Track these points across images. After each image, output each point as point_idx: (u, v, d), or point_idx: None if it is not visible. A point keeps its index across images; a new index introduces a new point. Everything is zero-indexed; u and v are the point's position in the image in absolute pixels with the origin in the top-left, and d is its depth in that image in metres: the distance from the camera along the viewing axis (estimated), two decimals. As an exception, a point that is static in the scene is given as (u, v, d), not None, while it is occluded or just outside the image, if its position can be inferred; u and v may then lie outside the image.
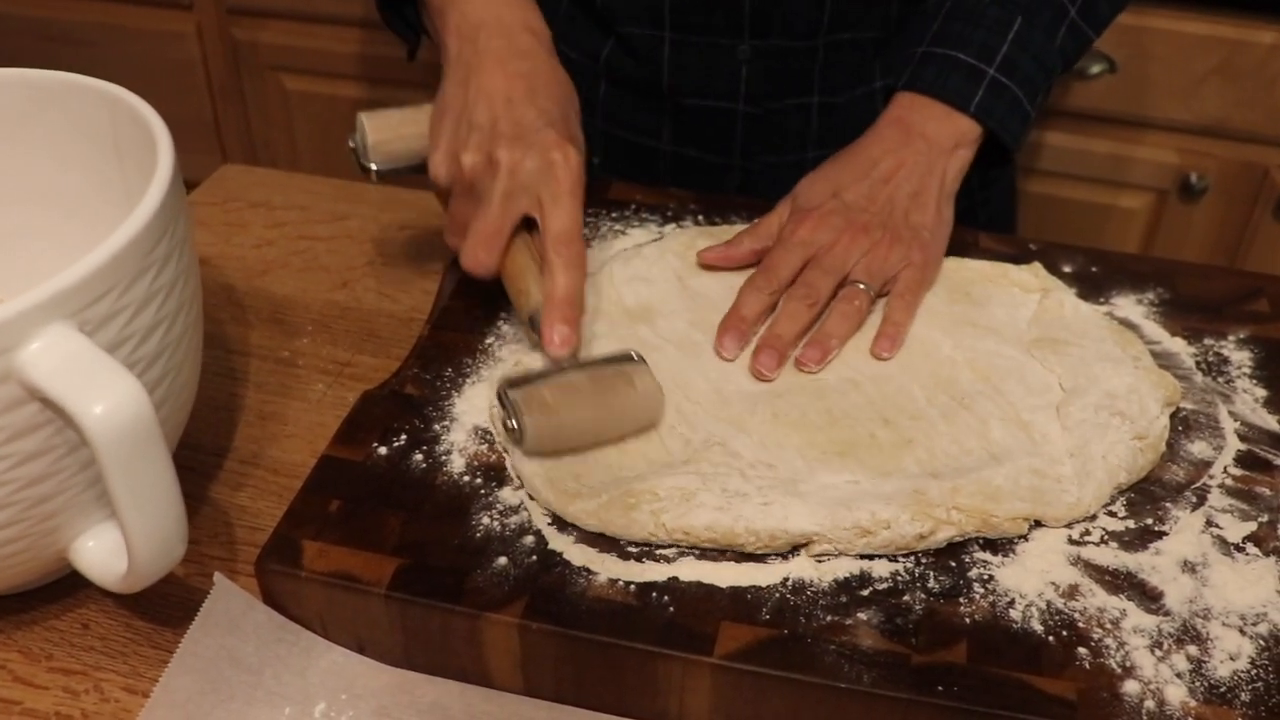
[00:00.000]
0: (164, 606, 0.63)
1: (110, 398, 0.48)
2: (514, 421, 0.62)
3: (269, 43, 1.66)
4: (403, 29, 0.88)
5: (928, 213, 0.78)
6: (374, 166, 0.77)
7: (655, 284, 0.77)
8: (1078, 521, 0.62)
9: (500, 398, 0.63)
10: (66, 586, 0.63)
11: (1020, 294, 0.77)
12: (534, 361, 0.69)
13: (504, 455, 0.65)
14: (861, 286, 0.73)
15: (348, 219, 0.92)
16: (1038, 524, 0.61)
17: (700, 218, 0.85)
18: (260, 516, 0.68)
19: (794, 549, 0.60)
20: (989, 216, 1.03)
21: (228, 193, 0.96)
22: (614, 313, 0.75)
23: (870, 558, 0.59)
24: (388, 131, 0.77)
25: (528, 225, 0.71)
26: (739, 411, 0.67)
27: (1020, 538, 0.61)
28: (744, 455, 0.63)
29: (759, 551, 0.59)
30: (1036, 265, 0.78)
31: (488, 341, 0.73)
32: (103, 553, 0.57)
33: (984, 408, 0.67)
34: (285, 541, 0.59)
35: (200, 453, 0.72)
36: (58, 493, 0.54)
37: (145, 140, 0.60)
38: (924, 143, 0.79)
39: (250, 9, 1.64)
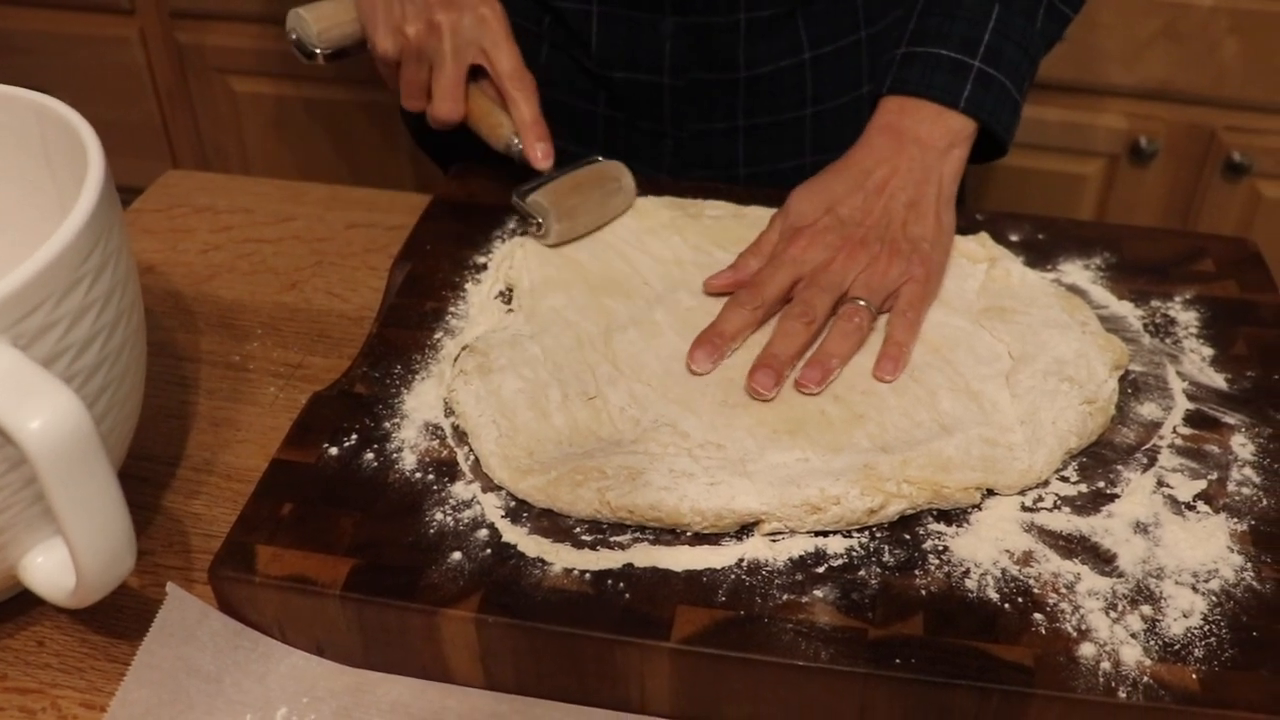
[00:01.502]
0: (120, 619, 0.62)
1: (47, 413, 0.47)
2: (537, 219, 0.78)
3: (214, 45, 1.64)
4: None
5: (926, 223, 0.75)
6: (319, 50, 0.86)
7: (619, 254, 0.77)
8: (1030, 488, 0.62)
9: (518, 206, 0.78)
10: (20, 604, 0.62)
11: (968, 264, 0.77)
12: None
13: (455, 448, 0.64)
14: (861, 303, 0.71)
15: (293, 220, 0.91)
16: (990, 493, 0.62)
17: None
18: (215, 524, 0.67)
19: (746, 529, 0.60)
20: None
21: (172, 199, 0.95)
22: (574, 283, 0.75)
23: (824, 534, 0.60)
24: (326, 20, 0.85)
25: (472, 75, 0.83)
26: (689, 392, 0.67)
27: (974, 507, 0.61)
28: (693, 436, 0.63)
29: (706, 531, 0.59)
30: (983, 235, 0.79)
31: (436, 336, 0.72)
32: (51, 569, 0.56)
33: (934, 379, 0.67)
34: (238, 547, 0.59)
35: (153, 462, 0.71)
36: (1, 510, 0.53)
37: (75, 148, 0.60)
38: (917, 147, 0.77)
39: (193, 12, 1.62)
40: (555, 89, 0.97)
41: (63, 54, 1.68)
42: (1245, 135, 1.41)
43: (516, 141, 0.82)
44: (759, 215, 0.81)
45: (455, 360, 0.70)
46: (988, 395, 0.66)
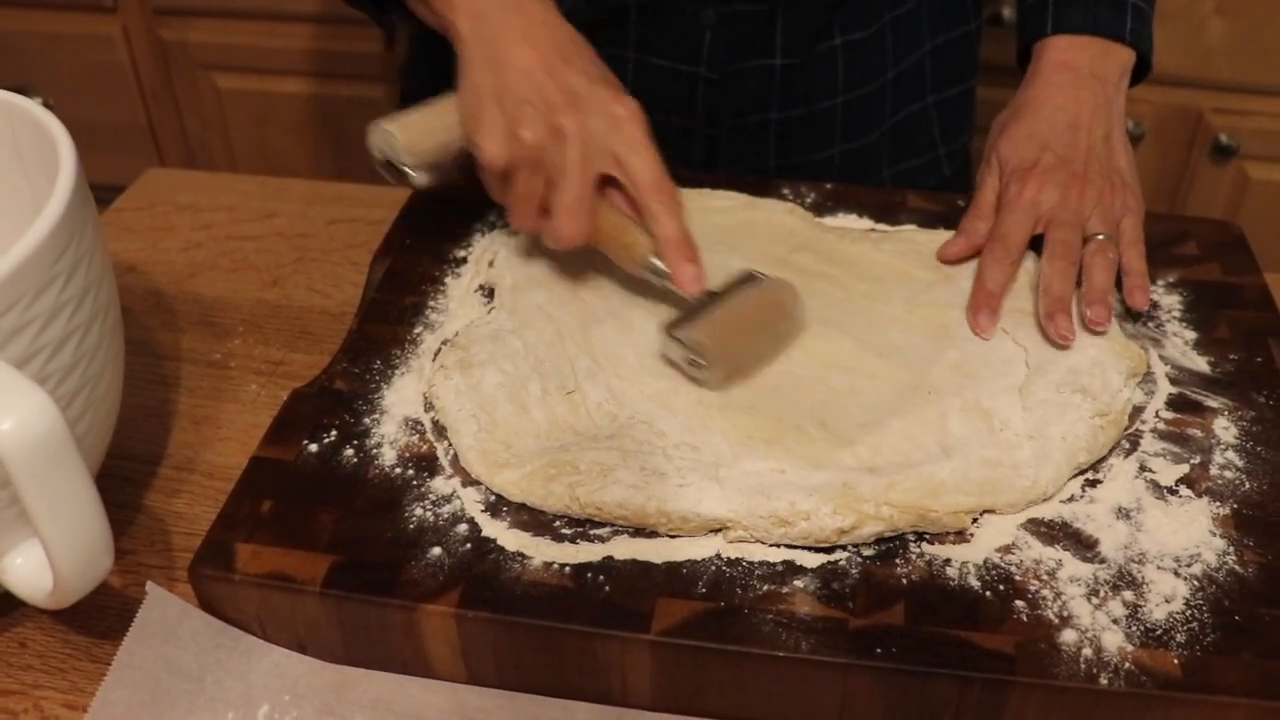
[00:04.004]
0: (101, 619, 0.62)
1: (19, 414, 0.47)
2: (701, 359, 0.65)
3: (198, 42, 1.63)
4: (375, 13, 0.85)
5: (1122, 155, 0.78)
6: (415, 173, 0.72)
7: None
8: (1034, 504, 0.61)
9: (677, 341, 0.66)
10: (1, 606, 0.62)
11: None
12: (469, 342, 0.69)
13: (435, 443, 0.64)
14: (1102, 237, 0.74)
15: (275, 216, 0.91)
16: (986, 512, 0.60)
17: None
18: (197, 522, 0.67)
19: (714, 533, 0.59)
20: (953, 171, 1.03)
21: (154, 197, 0.94)
22: (556, 280, 0.74)
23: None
24: (418, 132, 0.72)
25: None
26: (664, 390, 0.66)
27: (956, 496, 0.61)
28: (669, 435, 0.63)
29: (672, 533, 0.59)
30: None
31: (415, 331, 0.72)
32: (30, 570, 0.56)
33: (947, 401, 0.65)
34: (218, 545, 0.59)
35: (134, 461, 0.71)
36: (-22, 512, 0.53)
37: (47, 147, 0.59)
38: (1096, 82, 0.80)
39: (177, 9, 1.61)
40: None
41: (45, 53, 1.67)
42: (1232, 117, 1.41)
43: (656, 262, 0.69)
44: (773, 206, 0.81)
45: (436, 355, 0.70)
46: (998, 412, 0.64)
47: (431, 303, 0.74)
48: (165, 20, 1.63)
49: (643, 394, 0.66)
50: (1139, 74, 0.85)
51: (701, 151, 0.95)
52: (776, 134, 0.94)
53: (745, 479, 0.60)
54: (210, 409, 0.75)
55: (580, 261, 0.76)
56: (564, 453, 0.61)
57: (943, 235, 0.78)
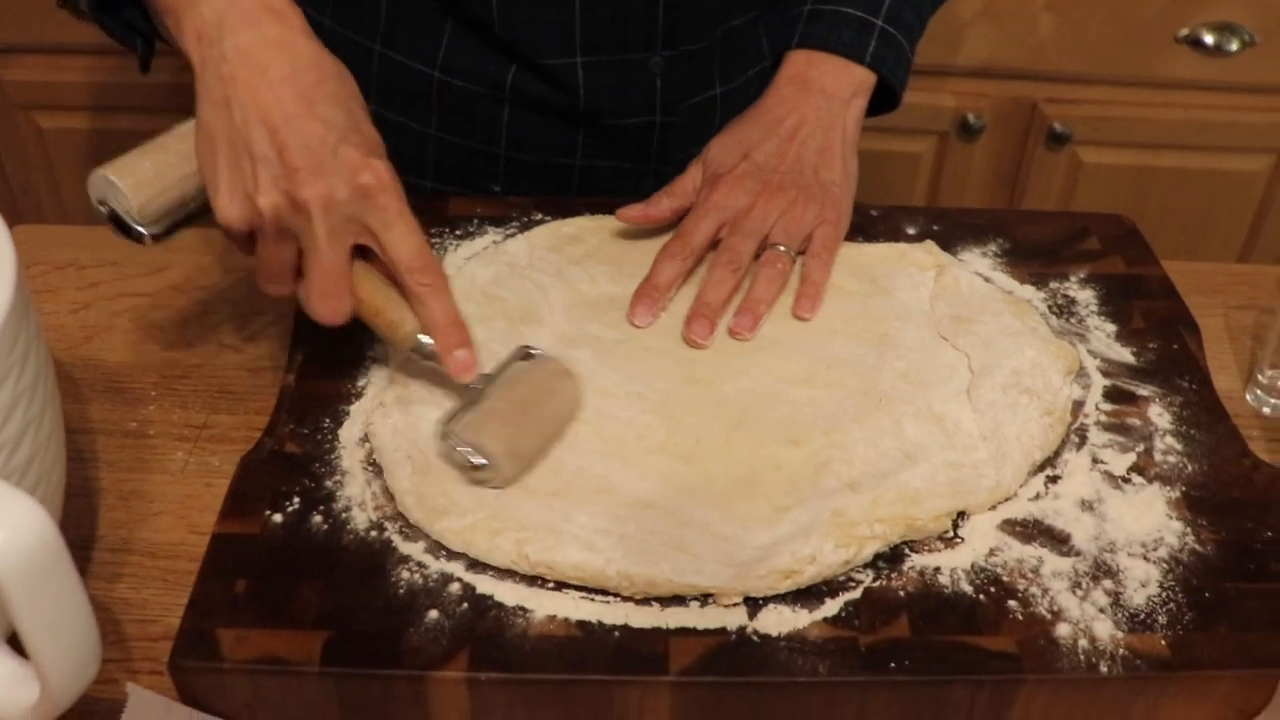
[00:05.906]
0: (63, 722, 0.58)
1: (7, 525, 0.44)
2: (479, 458, 0.61)
3: (17, 80, 1.53)
4: (124, 33, 0.76)
5: (835, 168, 0.80)
6: (146, 231, 0.65)
7: (537, 286, 0.75)
8: (1001, 502, 0.63)
9: (450, 440, 0.62)
10: (-51, 721, 0.57)
11: (917, 272, 0.78)
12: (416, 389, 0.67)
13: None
14: (781, 249, 0.76)
15: (168, 269, 0.86)
16: (962, 515, 0.62)
17: (548, 220, 0.83)
18: (147, 607, 0.63)
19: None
20: None
21: (29, 256, 0.88)
22: (494, 317, 0.73)
23: (799, 549, 0.60)
24: (152, 189, 0.64)
25: (360, 252, 0.65)
26: (622, 435, 0.65)
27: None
28: (619, 493, 0.61)
29: (636, 597, 0.57)
30: (930, 243, 0.80)
31: (359, 384, 0.70)
32: (5, 685, 0.52)
33: (900, 408, 0.67)
34: (196, 634, 0.56)
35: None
36: (-59, 629, 0.49)
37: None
38: (823, 96, 0.82)
39: (-11, 47, 1.52)
40: (520, 149, 0.93)
41: None
42: (1064, 106, 1.48)
43: (425, 341, 0.65)
44: None
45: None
46: (950, 416, 0.66)
47: (370, 352, 0.72)
48: (-23, 60, 1.53)
49: (604, 441, 0.65)
50: (887, 104, 0.86)
51: (651, 189, 0.94)
52: None
53: (720, 546, 0.59)
54: (136, 482, 0.70)
55: (519, 300, 0.74)
56: (505, 505, 0.60)
57: (867, 247, 0.80)
